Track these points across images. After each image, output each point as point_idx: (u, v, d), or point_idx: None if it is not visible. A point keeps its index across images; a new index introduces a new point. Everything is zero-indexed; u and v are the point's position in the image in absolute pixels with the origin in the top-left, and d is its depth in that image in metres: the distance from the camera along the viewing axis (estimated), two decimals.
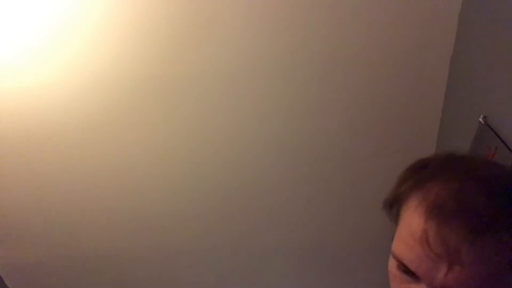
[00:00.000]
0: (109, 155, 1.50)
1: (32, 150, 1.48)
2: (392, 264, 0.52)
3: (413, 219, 0.48)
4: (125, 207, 1.63)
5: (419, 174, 0.53)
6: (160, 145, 1.49)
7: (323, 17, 1.25)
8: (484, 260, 0.45)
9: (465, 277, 0.45)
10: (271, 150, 1.51)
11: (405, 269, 0.50)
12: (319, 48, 1.31)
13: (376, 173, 1.58)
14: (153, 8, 1.23)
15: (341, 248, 1.80)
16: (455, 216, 0.45)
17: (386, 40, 1.29)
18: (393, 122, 1.46)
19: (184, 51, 1.30)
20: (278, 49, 1.31)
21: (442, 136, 1.44)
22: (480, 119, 1.09)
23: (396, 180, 0.55)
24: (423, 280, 0.48)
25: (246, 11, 1.24)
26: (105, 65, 1.32)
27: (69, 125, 1.43)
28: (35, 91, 1.35)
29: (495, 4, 1.03)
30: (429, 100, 1.40)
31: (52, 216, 1.64)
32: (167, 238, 1.73)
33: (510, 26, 0.96)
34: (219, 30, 1.27)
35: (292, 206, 1.67)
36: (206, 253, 1.79)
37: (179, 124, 1.45)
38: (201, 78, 1.36)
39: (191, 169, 1.55)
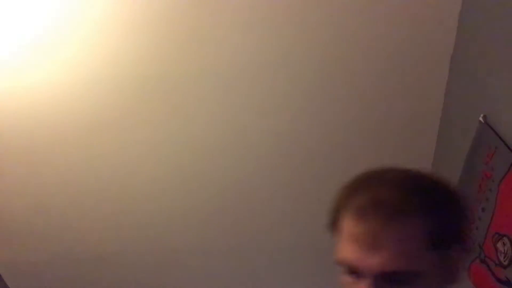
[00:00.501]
0: (109, 154, 1.50)
1: (32, 150, 1.48)
2: (341, 274, 0.60)
3: (345, 226, 0.59)
4: (126, 208, 1.63)
5: (345, 194, 0.63)
6: (161, 144, 1.49)
7: (324, 16, 1.25)
8: (400, 239, 0.55)
9: (390, 257, 0.54)
10: (274, 149, 1.51)
11: (350, 270, 0.58)
12: (320, 48, 1.31)
13: None
14: (153, 8, 1.23)
15: None
16: (371, 211, 0.56)
17: (386, 39, 1.29)
18: (393, 121, 1.46)
19: (185, 50, 1.30)
20: (279, 48, 1.31)
21: (442, 135, 1.44)
22: (480, 118, 1.09)
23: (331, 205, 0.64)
24: (363, 273, 0.56)
25: (247, 10, 1.24)
26: (105, 65, 1.32)
27: (69, 125, 1.43)
28: (35, 91, 1.35)
29: (495, 3, 1.03)
30: (429, 99, 1.40)
31: (53, 216, 1.64)
32: (169, 239, 1.73)
33: (510, 25, 0.96)
34: (220, 29, 1.27)
35: (294, 206, 1.67)
36: (208, 254, 1.79)
37: (180, 123, 1.45)
38: (202, 77, 1.35)
39: (193, 169, 1.55)
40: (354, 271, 0.58)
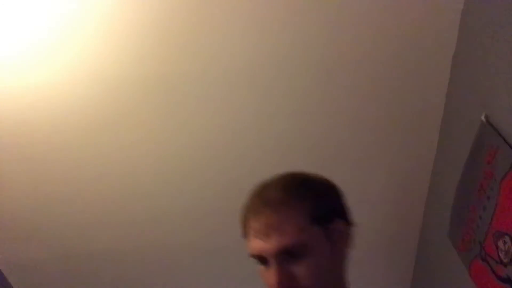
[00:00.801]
0: (111, 155, 1.50)
1: (34, 150, 1.48)
2: (257, 267, 0.74)
3: (248, 227, 0.73)
4: (128, 207, 1.64)
5: (246, 203, 0.78)
6: (162, 145, 1.49)
7: (324, 17, 1.26)
8: (287, 222, 0.69)
9: (282, 237, 0.68)
10: (274, 150, 1.51)
11: (259, 260, 0.73)
12: (321, 48, 1.31)
13: (378, 171, 1.58)
14: (154, 8, 1.23)
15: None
16: (262, 209, 0.71)
17: (387, 40, 1.29)
18: (394, 121, 1.46)
19: (186, 51, 1.30)
20: (280, 49, 1.31)
21: (443, 134, 1.45)
22: (482, 118, 1.10)
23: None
24: (268, 257, 0.70)
25: (248, 10, 1.24)
26: (106, 65, 1.32)
27: (71, 125, 1.43)
28: (35, 91, 1.35)
29: (498, 3, 1.03)
30: (430, 99, 1.40)
31: (55, 215, 1.65)
32: (170, 239, 1.73)
33: (511, 24, 0.96)
34: (221, 30, 1.27)
35: None
36: (209, 254, 1.79)
37: (181, 124, 1.45)
38: (203, 78, 1.36)
39: (194, 169, 1.55)
40: (262, 260, 0.72)
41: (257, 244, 0.71)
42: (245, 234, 0.75)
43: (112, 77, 1.34)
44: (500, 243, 1.03)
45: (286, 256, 0.69)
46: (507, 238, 1.01)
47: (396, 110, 1.44)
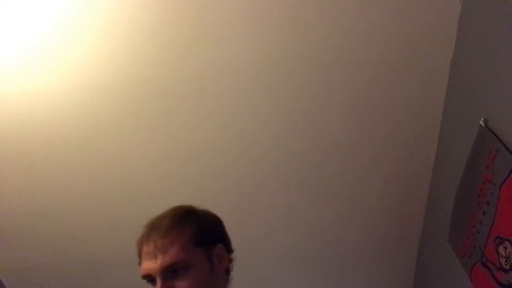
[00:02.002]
0: (110, 158, 1.50)
1: (33, 154, 1.48)
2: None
3: (141, 251, 0.86)
4: (126, 211, 1.63)
5: (141, 232, 0.89)
6: (161, 148, 1.49)
7: (324, 20, 1.26)
8: (172, 244, 0.82)
9: (167, 257, 0.80)
10: (273, 152, 1.51)
11: (149, 280, 0.83)
12: (320, 51, 1.31)
13: (378, 175, 1.58)
14: (153, 12, 1.23)
15: (344, 249, 1.79)
16: (151, 234, 0.85)
17: (386, 43, 1.30)
18: (394, 125, 1.46)
19: (185, 54, 1.31)
20: (278, 51, 1.31)
21: (442, 139, 1.44)
22: (481, 122, 1.09)
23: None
24: (155, 276, 0.81)
25: (246, 13, 1.24)
26: (106, 69, 1.32)
27: (70, 129, 1.43)
28: (35, 95, 1.36)
29: (495, 7, 1.03)
30: (429, 103, 1.40)
31: (53, 220, 1.64)
32: None
33: (510, 29, 0.96)
34: (220, 32, 1.27)
35: (294, 209, 1.67)
36: None
37: (180, 127, 1.45)
38: (202, 80, 1.36)
39: (192, 172, 1.55)
40: (152, 280, 0.82)
41: (147, 265, 0.82)
42: (139, 259, 0.87)
43: (111, 81, 1.34)
44: (501, 249, 1.03)
45: (170, 274, 0.80)
46: (507, 244, 1.00)
47: (395, 115, 1.43)
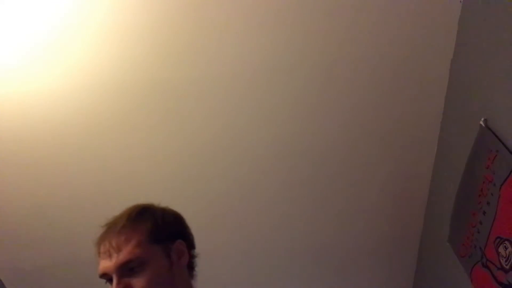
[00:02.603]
0: (110, 159, 1.50)
1: (34, 155, 1.48)
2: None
3: (98, 251, 0.86)
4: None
5: (100, 233, 0.89)
6: (162, 148, 1.49)
7: (324, 21, 1.26)
8: (127, 241, 0.82)
9: (122, 254, 0.81)
10: (273, 152, 1.51)
11: (106, 278, 0.83)
12: (320, 51, 1.31)
13: (378, 175, 1.58)
14: (153, 13, 1.23)
15: (344, 250, 1.79)
16: (106, 234, 0.86)
17: (386, 44, 1.30)
18: (394, 126, 1.46)
19: (185, 55, 1.30)
20: (279, 52, 1.31)
21: (443, 139, 1.44)
22: (481, 122, 1.09)
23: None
24: (112, 275, 0.81)
25: (247, 14, 1.24)
26: (107, 69, 1.32)
27: (71, 130, 1.43)
28: (36, 95, 1.36)
29: (495, 7, 1.03)
30: (429, 103, 1.40)
31: (53, 220, 1.64)
32: None
33: (510, 29, 0.96)
34: (220, 33, 1.27)
35: (294, 209, 1.67)
36: (208, 257, 1.78)
37: (180, 127, 1.45)
38: (202, 81, 1.36)
39: (193, 172, 1.55)
40: (109, 279, 0.82)
41: (103, 264, 0.83)
42: (98, 259, 0.86)
43: (111, 81, 1.34)
44: (501, 249, 1.03)
45: (126, 271, 0.81)
46: (507, 244, 1.00)
47: (395, 115, 1.43)
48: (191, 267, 0.95)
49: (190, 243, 0.95)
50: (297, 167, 1.55)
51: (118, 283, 0.80)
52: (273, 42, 1.29)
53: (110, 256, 0.82)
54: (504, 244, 1.01)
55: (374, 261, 1.84)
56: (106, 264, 0.82)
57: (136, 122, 1.43)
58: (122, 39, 1.27)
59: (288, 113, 1.43)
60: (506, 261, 1.01)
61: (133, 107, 1.40)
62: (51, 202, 1.59)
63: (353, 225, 1.71)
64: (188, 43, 1.28)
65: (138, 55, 1.30)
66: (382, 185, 1.60)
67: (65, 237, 1.69)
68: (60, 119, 1.41)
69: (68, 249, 1.73)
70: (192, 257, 0.95)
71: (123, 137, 1.46)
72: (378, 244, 1.78)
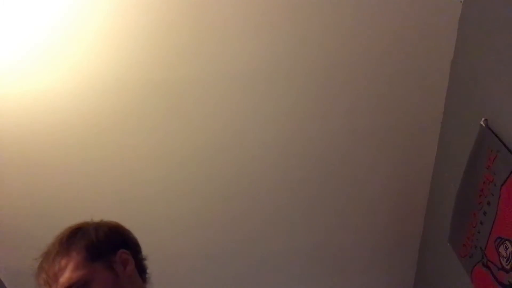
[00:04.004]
0: (110, 159, 1.50)
1: (33, 154, 1.48)
2: None
3: (39, 283, 0.85)
4: (126, 211, 1.63)
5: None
6: (162, 148, 1.49)
7: (324, 21, 1.26)
8: (66, 266, 0.82)
9: (63, 279, 0.80)
10: (272, 153, 1.51)
11: None
12: (320, 51, 1.31)
13: (378, 176, 1.58)
14: (153, 13, 1.23)
15: (344, 250, 1.79)
16: (43, 264, 0.85)
17: (386, 44, 1.30)
18: (394, 126, 1.46)
19: (185, 55, 1.30)
20: (278, 52, 1.31)
21: (443, 139, 1.44)
22: (482, 122, 1.09)
23: None
24: None
25: (246, 15, 1.24)
26: (106, 69, 1.32)
27: (70, 130, 1.43)
28: (36, 96, 1.36)
29: (495, 8, 1.03)
30: (430, 104, 1.40)
31: (53, 220, 1.63)
32: (168, 243, 1.72)
33: (510, 29, 0.96)
34: (220, 33, 1.27)
35: (294, 209, 1.67)
36: (207, 257, 1.79)
37: (180, 127, 1.45)
38: (201, 81, 1.36)
39: (193, 172, 1.55)
40: None
41: None
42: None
43: (111, 82, 1.34)
44: (502, 249, 1.03)
45: None
46: (508, 244, 1.00)
47: (395, 115, 1.43)
48: (142, 270, 0.95)
49: (133, 249, 0.94)
50: (297, 167, 1.55)
51: None
52: (272, 42, 1.29)
53: (51, 285, 0.82)
54: (505, 244, 1.01)
55: (374, 261, 1.84)
56: None
57: (136, 122, 1.43)
58: (122, 39, 1.27)
59: (287, 112, 1.43)
60: (506, 261, 1.01)
61: (133, 107, 1.40)
62: (51, 202, 1.59)
63: (353, 225, 1.71)
64: (187, 43, 1.28)
65: (138, 55, 1.30)
66: (382, 185, 1.60)
67: None
68: (60, 119, 1.41)
69: None
70: (139, 261, 0.94)
71: (123, 137, 1.46)
72: (379, 244, 1.78)
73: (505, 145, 1.00)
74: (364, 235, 1.74)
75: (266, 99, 1.40)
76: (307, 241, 1.76)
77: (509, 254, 0.99)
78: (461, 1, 1.20)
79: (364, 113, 1.43)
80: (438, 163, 1.50)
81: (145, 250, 1.72)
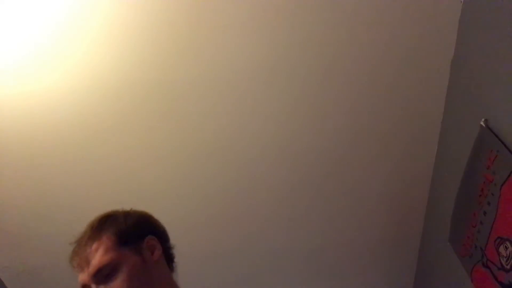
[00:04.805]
0: (110, 159, 1.50)
1: (33, 155, 1.48)
2: None
3: (73, 267, 0.91)
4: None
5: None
6: (162, 148, 1.49)
7: (324, 21, 1.26)
8: (96, 250, 0.87)
9: (94, 263, 0.86)
10: (272, 153, 1.51)
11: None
12: (319, 51, 1.31)
13: (378, 176, 1.58)
14: (153, 13, 1.23)
15: (344, 250, 1.79)
16: (75, 249, 0.91)
17: (386, 44, 1.30)
18: (394, 126, 1.46)
19: (185, 55, 1.30)
20: (278, 53, 1.31)
21: (443, 139, 1.44)
22: (482, 123, 1.09)
23: None
24: (90, 286, 0.86)
25: (246, 14, 1.24)
26: (106, 70, 1.32)
27: (70, 130, 1.43)
28: (37, 96, 1.36)
29: (495, 7, 1.03)
30: (430, 104, 1.40)
31: (54, 220, 1.64)
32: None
33: (510, 29, 0.96)
34: (220, 33, 1.27)
35: (294, 210, 1.67)
36: (207, 257, 1.79)
37: (180, 127, 1.45)
38: (201, 82, 1.36)
39: (193, 173, 1.55)
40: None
41: (80, 278, 0.88)
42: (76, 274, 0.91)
43: (111, 82, 1.34)
44: (502, 249, 1.03)
45: (101, 279, 0.85)
46: (508, 244, 1.00)
47: (395, 115, 1.43)
48: (169, 259, 0.99)
49: (162, 237, 0.99)
50: (297, 168, 1.56)
51: None
52: (272, 42, 1.29)
53: (83, 268, 0.88)
54: (505, 244, 1.01)
55: (374, 261, 1.84)
56: (82, 277, 0.88)
57: (135, 122, 1.43)
58: (122, 39, 1.27)
59: (287, 112, 1.43)
60: (506, 261, 1.01)
61: (132, 107, 1.40)
62: (51, 202, 1.59)
63: (353, 225, 1.71)
64: (187, 44, 1.28)
65: (138, 56, 1.30)
66: (382, 185, 1.60)
67: (65, 237, 1.69)
68: (60, 119, 1.41)
69: (68, 249, 1.72)
70: (167, 249, 0.99)
71: (122, 137, 1.46)
72: (379, 244, 1.78)
73: (505, 145, 1.00)
74: (364, 235, 1.74)
75: (266, 99, 1.40)
76: (306, 241, 1.76)
77: (509, 254, 1.00)
78: (461, 1, 1.20)
79: (364, 113, 1.43)
80: (438, 163, 1.51)
81: None
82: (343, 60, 1.33)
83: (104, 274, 0.85)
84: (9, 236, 1.68)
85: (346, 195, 1.63)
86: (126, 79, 1.34)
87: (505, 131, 1.01)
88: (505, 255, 1.01)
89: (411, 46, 1.30)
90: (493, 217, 1.06)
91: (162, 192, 1.60)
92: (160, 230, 1.01)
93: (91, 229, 0.92)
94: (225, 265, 1.81)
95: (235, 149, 1.50)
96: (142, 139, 1.47)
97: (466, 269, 1.25)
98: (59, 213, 1.62)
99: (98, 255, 0.87)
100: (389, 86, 1.38)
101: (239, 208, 1.65)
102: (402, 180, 1.59)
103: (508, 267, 1.00)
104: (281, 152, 1.51)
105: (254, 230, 1.71)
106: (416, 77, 1.35)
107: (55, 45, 1.27)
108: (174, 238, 1.70)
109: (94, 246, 0.88)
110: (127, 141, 1.47)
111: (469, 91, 1.21)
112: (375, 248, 1.79)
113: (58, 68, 1.31)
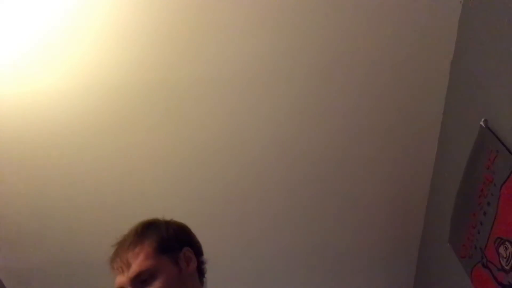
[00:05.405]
0: (109, 160, 1.50)
1: (32, 155, 1.48)
2: None
3: (112, 268, 0.94)
4: (126, 212, 1.63)
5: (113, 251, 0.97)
6: (162, 148, 1.49)
7: (324, 21, 1.26)
8: (137, 255, 0.90)
9: (134, 267, 0.88)
10: (272, 153, 1.51)
11: None
12: (319, 52, 1.31)
13: (378, 176, 1.58)
14: (153, 13, 1.23)
15: (344, 251, 1.79)
16: (117, 251, 0.94)
17: (386, 44, 1.30)
18: (394, 126, 1.46)
19: (185, 55, 1.31)
20: (278, 53, 1.31)
21: (443, 139, 1.44)
22: (481, 123, 1.09)
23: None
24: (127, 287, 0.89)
25: (246, 15, 1.24)
26: (106, 70, 1.32)
27: (69, 130, 1.43)
28: (37, 96, 1.36)
29: (495, 8, 1.03)
30: (430, 104, 1.40)
31: (53, 220, 1.64)
32: None
33: (510, 29, 0.96)
34: (220, 34, 1.27)
35: (293, 210, 1.67)
36: (207, 258, 1.78)
37: (180, 127, 1.45)
38: (201, 82, 1.36)
39: (192, 173, 1.55)
40: None
41: (118, 280, 0.91)
42: (114, 275, 0.94)
43: (112, 82, 1.35)
44: (502, 249, 1.02)
45: (140, 283, 0.88)
46: (508, 244, 1.00)
47: (395, 115, 1.43)
48: (201, 273, 1.01)
49: (197, 250, 1.01)
50: (296, 168, 1.55)
51: None
52: (272, 43, 1.29)
53: (122, 271, 0.90)
54: (505, 245, 1.01)
55: (374, 262, 1.84)
56: (121, 279, 0.90)
57: (136, 122, 1.43)
58: (122, 39, 1.27)
59: (287, 113, 1.43)
60: (506, 261, 1.01)
61: (132, 107, 1.40)
62: (51, 202, 1.59)
63: (353, 225, 1.71)
64: (187, 44, 1.28)
65: (138, 55, 1.30)
66: (382, 185, 1.60)
67: (65, 237, 1.69)
68: (60, 119, 1.41)
69: (68, 249, 1.73)
70: (201, 263, 1.01)
71: (123, 137, 1.46)
72: (378, 244, 1.78)
73: (505, 145, 1.00)
74: (363, 235, 1.74)
75: (266, 99, 1.40)
76: (306, 241, 1.76)
77: (509, 254, 0.99)
78: (461, 1, 1.20)
79: (363, 113, 1.43)
80: (438, 163, 1.50)
81: None
82: (343, 60, 1.33)
83: (142, 279, 0.88)
84: (9, 236, 1.68)
85: (346, 195, 1.63)
86: (126, 79, 1.34)
87: (505, 131, 1.01)
88: (505, 255, 1.01)
89: (411, 46, 1.30)
90: (493, 217, 1.05)
91: (162, 192, 1.60)
92: (197, 244, 1.03)
93: (134, 234, 0.94)
94: (225, 265, 1.81)
95: (235, 149, 1.50)
96: (142, 139, 1.47)
97: (465, 270, 1.25)
98: (59, 213, 1.63)
99: (139, 260, 0.89)
100: (389, 86, 1.37)
101: (239, 208, 1.65)
102: (402, 180, 1.59)
103: (508, 267, 1.00)
104: (281, 152, 1.51)
105: (254, 230, 1.71)
106: (416, 77, 1.35)
107: (55, 45, 1.27)
108: None
109: (137, 250, 0.91)
110: (127, 141, 1.47)
111: (469, 91, 1.20)
112: (375, 248, 1.79)
113: (58, 68, 1.31)
